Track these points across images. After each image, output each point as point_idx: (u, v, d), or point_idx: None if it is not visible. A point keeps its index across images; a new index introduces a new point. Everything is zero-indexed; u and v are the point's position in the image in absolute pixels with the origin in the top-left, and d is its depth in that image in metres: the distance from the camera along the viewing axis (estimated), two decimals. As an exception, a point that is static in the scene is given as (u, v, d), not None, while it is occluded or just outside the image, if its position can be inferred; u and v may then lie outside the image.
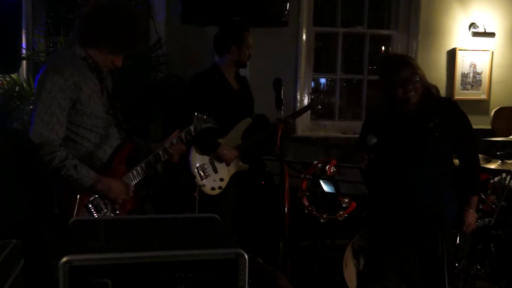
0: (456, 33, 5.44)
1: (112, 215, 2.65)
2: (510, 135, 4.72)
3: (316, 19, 5.33)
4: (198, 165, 3.66)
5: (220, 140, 3.71)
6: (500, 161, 4.11)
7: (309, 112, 5.27)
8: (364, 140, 3.05)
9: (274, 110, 2.93)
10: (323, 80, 5.85)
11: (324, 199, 3.45)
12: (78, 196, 2.57)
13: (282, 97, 2.93)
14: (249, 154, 3.87)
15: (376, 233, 3.25)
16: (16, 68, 2.77)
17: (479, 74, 5.51)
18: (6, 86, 4.15)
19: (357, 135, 3.51)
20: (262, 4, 4.73)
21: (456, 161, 3.22)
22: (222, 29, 3.90)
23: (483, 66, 5.50)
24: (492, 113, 5.44)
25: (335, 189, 3.38)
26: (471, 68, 5.48)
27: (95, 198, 2.63)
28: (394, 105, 3.06)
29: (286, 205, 2.74)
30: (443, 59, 5.42)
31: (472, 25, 5.40)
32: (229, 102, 3.76)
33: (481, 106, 5.47)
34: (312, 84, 5.34)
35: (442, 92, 5.06)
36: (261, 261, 3.17)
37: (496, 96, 5.57)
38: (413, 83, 2.97)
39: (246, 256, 1.68)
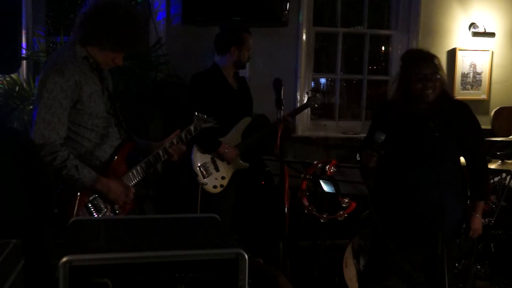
0: (456, 33, 5.43)
1: (112, 215, 2.65)
2: (510, 135, 4.72)
3: (316, 19, 5.32)
4: (200, 163, 3.68)
5: (220, 139, 3.72)
6: (500, 161, 4.11)
7: (309, 112, 5.28)
8: (372, 137, 3.02)
9: (274, 110, 2.93)
10: (323, 80, 5.85)
11: (324, 199, 3.45)
12: (78, 195, 2.57)
13: (282, 97, 2.93)
14: (249, 154, 3.88)
15: (377, 232, 3.24)
16: (16, 68, 2.76)
17: (479, 74, 5.51)
18: (6, 86, 4.15)
19: (357, 135, 3.51)
20: (262, 4, 4.73)
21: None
22: (223, 30, 3.91)
23: (483, 66, 5.50)
24: (492, 113, 5.43)
25: (335, 189, 3.38)
26: (471, 68, 5.48)
27: (95, 198, 2.63)
28: (408, 101, 3.03)
29: (286, 205, 2.73)
30: (443, 59, 5.39)
31: (472, 25, 5.40)
32: (229, 102, 3.77)
33: (481, 106, 5.46)
34: (312, 84, 5.34)
35: (442, 92, 5.06)
36: (261, 261, 3.17)
37: (496, 96, 5.57)
38: (433, 81, 2.96)
39: (246, 256, 1.68)
